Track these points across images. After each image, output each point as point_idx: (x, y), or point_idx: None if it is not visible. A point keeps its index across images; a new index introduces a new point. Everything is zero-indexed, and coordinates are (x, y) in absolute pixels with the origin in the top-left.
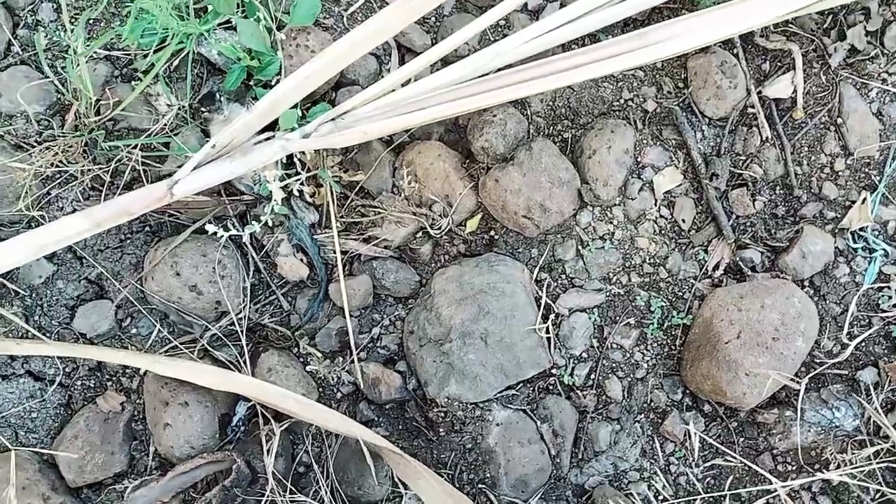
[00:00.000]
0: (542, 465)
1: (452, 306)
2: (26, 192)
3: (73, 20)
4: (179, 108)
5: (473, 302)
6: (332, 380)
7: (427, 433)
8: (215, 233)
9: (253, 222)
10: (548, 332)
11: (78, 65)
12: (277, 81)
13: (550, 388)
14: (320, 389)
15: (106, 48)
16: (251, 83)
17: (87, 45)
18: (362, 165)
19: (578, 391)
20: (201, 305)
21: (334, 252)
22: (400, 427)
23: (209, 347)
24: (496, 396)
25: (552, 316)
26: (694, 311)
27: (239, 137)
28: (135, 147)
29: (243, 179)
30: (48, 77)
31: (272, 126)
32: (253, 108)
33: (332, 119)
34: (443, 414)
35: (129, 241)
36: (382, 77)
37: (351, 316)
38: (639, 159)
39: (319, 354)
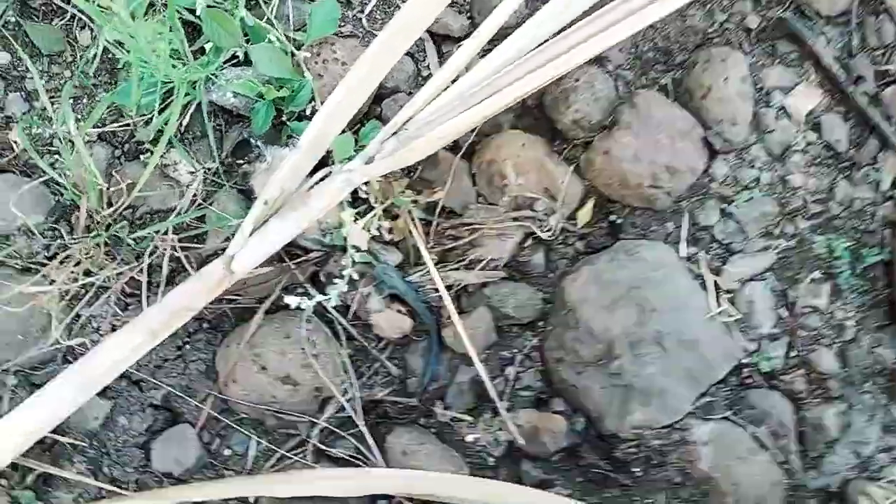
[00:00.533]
0: (773, 477)
1: (603, 314)
2: (53, 321)
3: (52, 101)
4: (206, 172)
5: (629, 302)
6: (485, 443)
7: (618, 478)
8: (297, 307)
9: (336, 280)
10: (728, 314)
11: (74, 151)
12: (314, 109)
13: (749, 381)
14: (467, 459)
15: (98, 125)
16: (283, 119)
17: (80, 125)
18: (433, 182)
19: (782, 376)
20: (300, 398)
21: (436, 290)
22: (580, 479)
23: (323, 446)
24: (692, 410)
25: (723, 294)
26: (888, 241)
27: (290, 184)
28: (165, 232)
29: (305, 235)
30: (40, 177)
31: (323, 163)
32: (298, 143)
33: (394, 133)
34: (633, 449)
35: (189, 347)
36: (422, 76)
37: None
38: (760, 85)
39: (469, 418)
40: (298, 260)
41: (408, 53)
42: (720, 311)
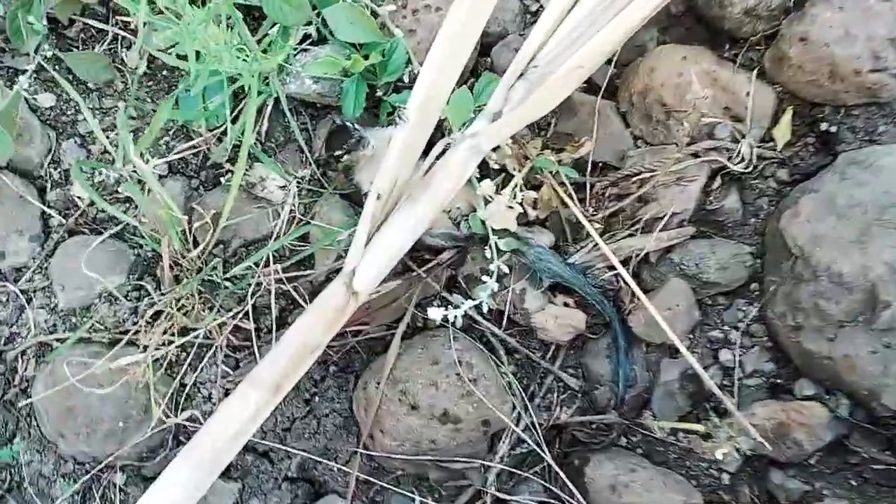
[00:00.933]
0: None
1: (852, 251)
2: (152, 396)
3: (110, 140)
4: (299, 182)
5: (886, 227)
6: (716, 457)
7: None
8: (442, 322)
9: (483, 279)
10: None
11: (146, 190)
12: (412, 75)
13: None
14: (695, 482)
15: (164, 153)
16: (379, 96)
17: (146, 158)
18: (575, 135)
19: None
20: (465, 438)
21: (610, 268)
22: (855, 482)
23: (504, 495)
24: None
25: None
26: None
27: (404, 169)
28: (266, 264)
29: (432, 230)
30: (112, 229)
31: (434, 141)
32: (404, 116)
33: (521, 76)
34: None
35: (318, 399)
36: (531, 11)
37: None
38: None
39: (698, 427)
40: (429, 266)
41: None
42: None
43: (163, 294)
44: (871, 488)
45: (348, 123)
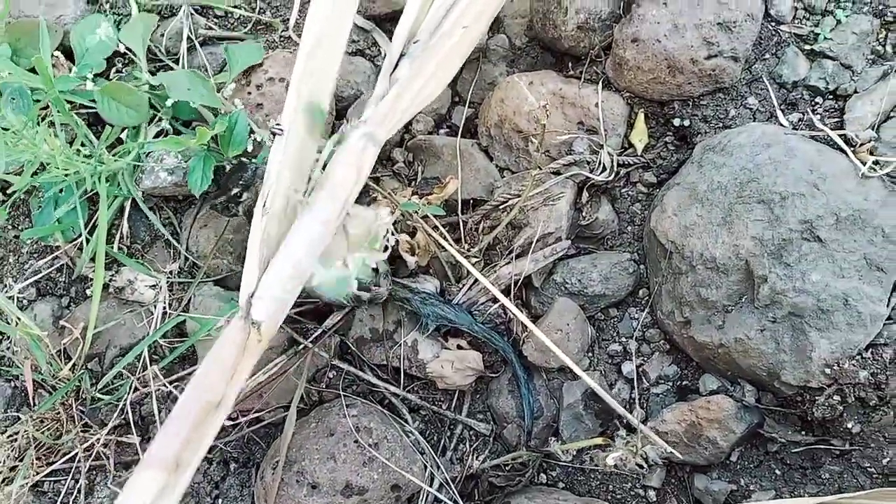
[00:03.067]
0: None
1: (721, 234)
2: None
3: None
4: (169, 276)
5: (748, 204)
6: (635, 473)
7: (831, 447)
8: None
9: (358, 335)
10: (884, 164)
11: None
12: (256, 142)
13: None
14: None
15: (30, 274)
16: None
17: (9, 283)
18: (443, 177)
19: None
20: None
21: (494, 301)
22: (780, 471)
23: None
24: (894, 305)
25: (862, 146)
26: None
27: (293, 183)
28: (139, 357)
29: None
30: None
31: None
32: (278, 127)
33: (401, 57)
34: (836, 398)
35: (221, 501)
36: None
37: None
38: None
39: (598, 441)
40: (315, 335)
41: (359, 52)
42: (870, 164)
43: (33, 414)
44: (797, 473)
45: (243, 159)
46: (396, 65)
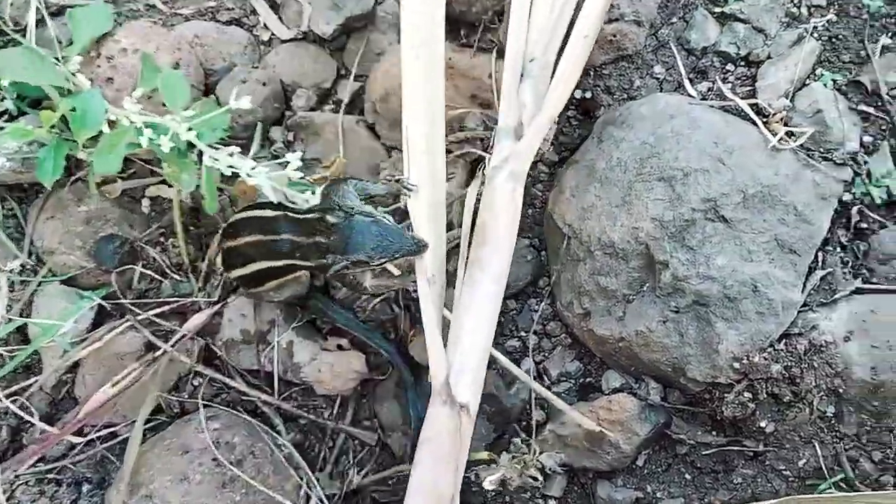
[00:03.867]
0: None
1: (619, 215)
2: None
3: None
4: (10, 275)
5: (648, 181)
6: (533, 485)
7: (744, 447)
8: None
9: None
10: (794, 137)
11: None
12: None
13: (864, 226)
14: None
15: None
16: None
17: None
18: (324, 158)
19: None
20: None
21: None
22: (690, 475)
23: None
24: (808, 298)
25: (774, 117)
26: None
27: (434, 238)
28: None
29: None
30: None
31: None
32: (409, 183)
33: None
34: (747, 394)
35: None
36: (262, 44)
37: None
38: None
39: (483, 456)
40: (176, 338)
41: (235, 21)
42: (782, 135)
43: None
44: (707, 478)
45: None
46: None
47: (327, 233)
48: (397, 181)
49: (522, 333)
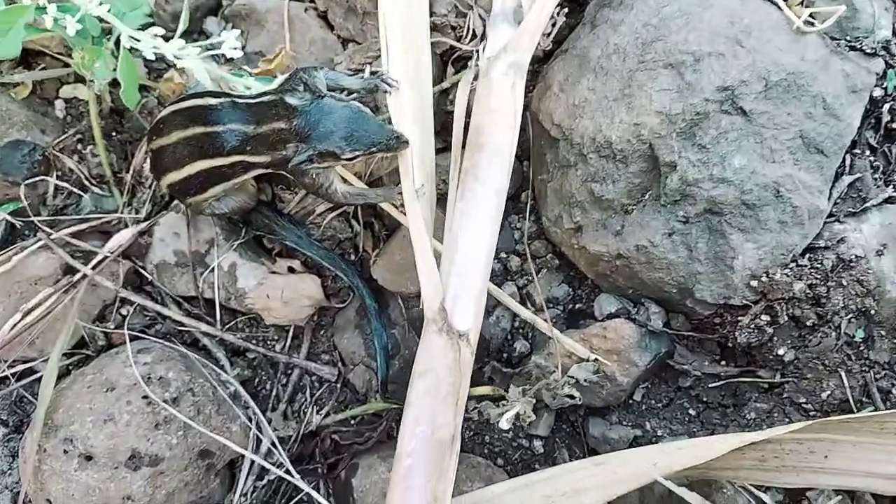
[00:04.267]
0: None
1: (619, 110)
2: None
3: None
4: None
5: (652, 70)
6: (516, 425)
7: (758, 378)
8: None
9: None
10: (822, 18)
11: None
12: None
13: (893, 126)
14: (498, 459)
15: None
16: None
17: None
18: (267, 51)
19: None
20: (177, 481)
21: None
22: (695, 410)
23: None
24: (835, 207)
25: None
26: None
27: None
28: None
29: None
30: None
31: None
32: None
33: None
34: (765, 317)
35: None
36: None
37: None
38: None
39: (487, 390)
40: (97, 260)
41: None
42: (807, 17)
43: None
44: (715, 413)
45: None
46: None
47: (288, 117)
48: (375, 74)
49: (503, 255)
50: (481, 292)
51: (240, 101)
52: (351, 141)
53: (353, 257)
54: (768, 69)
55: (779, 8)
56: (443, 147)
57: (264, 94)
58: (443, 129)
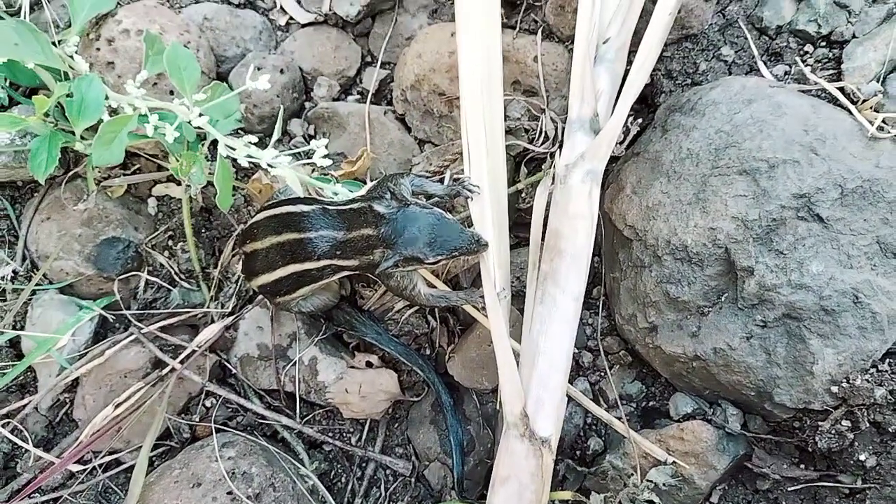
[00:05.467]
0: None
1: (693, 214)
2: None
3: None
4: (2, 280)
5: (726, 175)
6: None
7: (838, 483)
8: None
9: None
10: (885, 123)
11: None
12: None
13: None
14: None
15: None
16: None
17: None
18: (349, 153)
19: None
20: None
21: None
22: None
23: None
24: None
25: (865, 103)
26: None
27: (502, 246)
28: None
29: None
30: None
31: None
32: (470, 184)
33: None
34: (845, 422)
35: None
36: (279, 29)
37: None
38: None
39: (566, 496)
40: (185, 354)
41: (248, 3)
42: (880, 122)
43: None
44: None
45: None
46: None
47: (376, 224)
48: (456, 181)
49: (575, 350)
50: (562, 398)
51: (330, 207)
52: (434, 246)
53: (428, 352)
54: (843, 176)
55: (851, 114)
56: (515, 243)
57: (353, 200)
58: (515, 225)
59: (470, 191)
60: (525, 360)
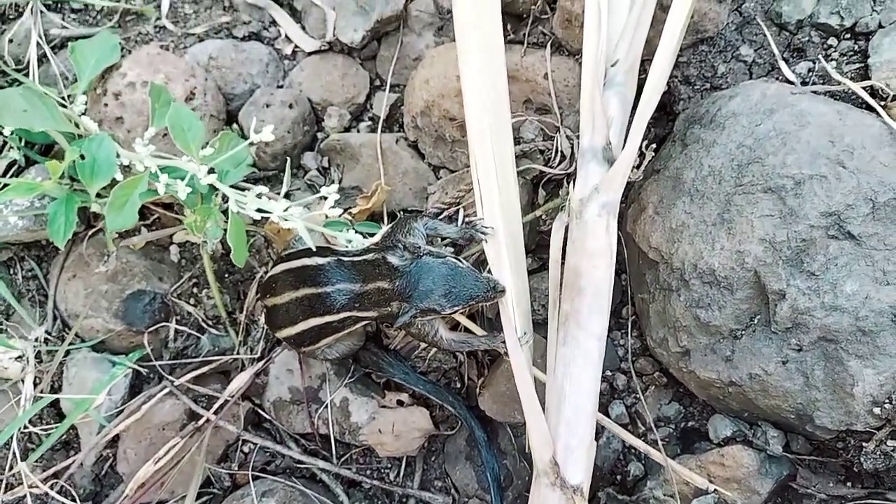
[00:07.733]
0: None
1: (718, 235)
2: None
3: None
4: (36, 344)
5: (751, 193)
6: None
7: (887, 501)
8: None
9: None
10: None
11: None
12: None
13: None
14: None
15: None
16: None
17: None
18: (364, 185)
19: None
20: None
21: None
22: None
23: None
24: None
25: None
26: None
27: (520, 288)
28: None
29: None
30: None
31: None
32: (483, 225)
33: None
34: (891, 443)
35: None
36: (285, 58)
37: None
38: None
39: None
40: (218, 404)
41: (254, 35)
42: None
43: None
44: None
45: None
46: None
47: (390, 277)
48: (469, 223)
49: (608, 373)
50: (591, 443)
51: (345, 258)
52: (450, 297)
53: (458, 385)
54: (874, 189)
55: (879, 116)
56: (536, 269)
57: (368, 250)
58: (538, 247)
59: (483, 233)
60: (551, 404)
